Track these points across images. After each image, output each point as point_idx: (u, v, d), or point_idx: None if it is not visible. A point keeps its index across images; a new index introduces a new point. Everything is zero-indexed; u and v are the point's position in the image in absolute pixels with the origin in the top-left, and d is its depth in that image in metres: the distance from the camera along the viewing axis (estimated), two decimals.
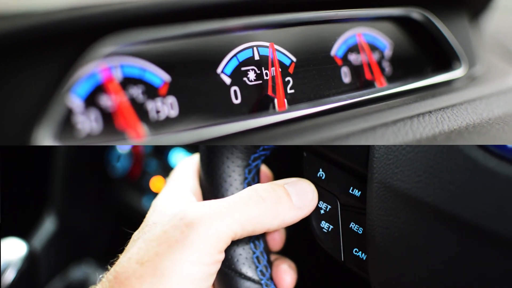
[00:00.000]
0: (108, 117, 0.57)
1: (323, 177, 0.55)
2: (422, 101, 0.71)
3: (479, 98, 0.73)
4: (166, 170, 1.07)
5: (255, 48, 0.68)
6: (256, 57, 0.68)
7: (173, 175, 0.60)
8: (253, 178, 0.58)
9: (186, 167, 0.60)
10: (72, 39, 0.53)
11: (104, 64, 0.57)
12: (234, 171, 0.56)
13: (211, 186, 0.57)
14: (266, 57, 0.69)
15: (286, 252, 0.61)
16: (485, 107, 0.71)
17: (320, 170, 0.55)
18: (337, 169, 0.54)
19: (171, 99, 0.61)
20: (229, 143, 0.58)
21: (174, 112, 0.61)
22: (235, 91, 0.66)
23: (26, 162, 1.38)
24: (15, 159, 1.33)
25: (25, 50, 0.51)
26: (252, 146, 0.57)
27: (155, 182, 1.09)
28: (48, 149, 1.24)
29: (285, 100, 0.69)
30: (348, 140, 0.58)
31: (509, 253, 0.40)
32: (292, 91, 0.70)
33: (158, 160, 1.10)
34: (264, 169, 0.62)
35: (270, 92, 0.68)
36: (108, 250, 1.20)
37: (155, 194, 1.07)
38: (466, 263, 0.42)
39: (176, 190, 0.56)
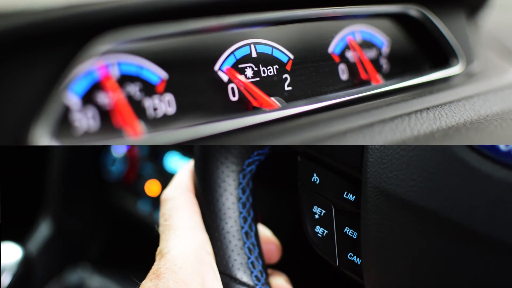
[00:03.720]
0: (105, 115, 0.57)
1: (317, 182, 0.55)
2: (419, 98, 0.71)
3: (477, 95, 0.73)
4: (161, 173, 1.07)
5: (252, 46, 0.68)
6: (254, 54, 0.68)
7: (174, 198, 0.58)
8: (247, 183, 0.57)
9: (184, 191, 0.59)
10: (69, 36, 0.53)
11: (101, 62, 0.57)
12: (228, 176, 0.56)
13: (206, 192, 0.57)
14: (264, 54, 0.69)
15: (282, 263, 0.61)
16: (482, 104, 0.71)
17: (314, 174, 0.55)
18: (331, 173, 0.54)
19: (169, 97, 0.61)
20: (227, 140, 0.58)
21: (171, 109, 0.61)
22: (232, 89, 0.66)
23: (21, 166, 1.37)
24: (10, 163, 1.33)
25: (22, 48, 0.51)
26: (246, 151, 0.57)
27: (150, 186, 1.09)
28: (43, 153, 1.24)
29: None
30: (346, 136, 0.58)
31: (504, 257, 0.40)
32: (290, 88, 0.70)
33: (154, 164, 1.10)
34: (266, 233, 0.62)
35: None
36: (104, 254, 1.21)
37: (150, 198, 1.07)
38: (461, 267, 0.42)
39: (191, 243, 0.55)
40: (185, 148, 1.03)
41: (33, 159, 1.32)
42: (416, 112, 0.65)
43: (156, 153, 1.09)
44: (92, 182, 1.19)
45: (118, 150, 1.14)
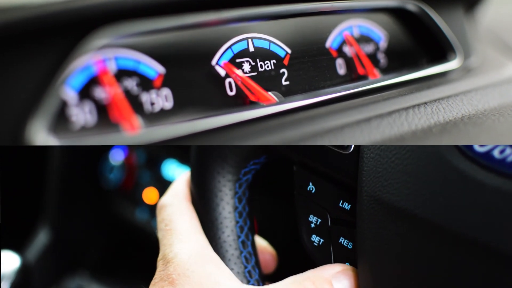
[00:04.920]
0: (102, 109, 0.57)
1: (313, 191, 0.55)
2: (417, 93, 0.71)
3: (475, 90, 0.73)
4: (159, 181, 1.07)
5: (249, 40, 0.68)
6: (251, 49, 0.68)
7: (171, 204, 0.58)
8: (243, 193, 0.57)
9: (180, 194, 0.59)
10: (66, 31, 0.53)
11: (99, 56, 0.57)
12: (224, 185, 0.56)
13: (202, 201, 0.57)
14: (261, 48, 0.69)
15: (278, 272, 0.60)
16: (480, 98, 0.71)
17: (310, 183, 0.55)
18: (327, 182, 0.54)
19: (166, 91, 0.61)
20: (224, 135, 0.58)
21: (168, 104, 0.61)
22: (229, 83, 0.66)
23: (20, 174, 1.37)
24: (8, 171, 1.33)
25: (18, 43, 0.51)
26: (242, 160, 0.56)
27: (148, 194, 1.09)
28: (42, 160, 1.23)
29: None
30: (343, 131, 0.58)
31: (502, 265, 0.40)
32: (287, 83, 0.70)
33: (151, 172, 1.10)
34: (261, 242, 0.62)
35: None
36: (102, 262, 1.20)
37: (148, 206, 1.07)
38: (458, 276, 0.42)
39: (197, 246, 0.55)
40: (182, 156, 1.03)
41: (32, 167, 1.32)
42: (413, 106, 0.65)
43: (154, 160, 1.09)
44: (90, 190, 1.19)
45: (116, 157, 1.15)
